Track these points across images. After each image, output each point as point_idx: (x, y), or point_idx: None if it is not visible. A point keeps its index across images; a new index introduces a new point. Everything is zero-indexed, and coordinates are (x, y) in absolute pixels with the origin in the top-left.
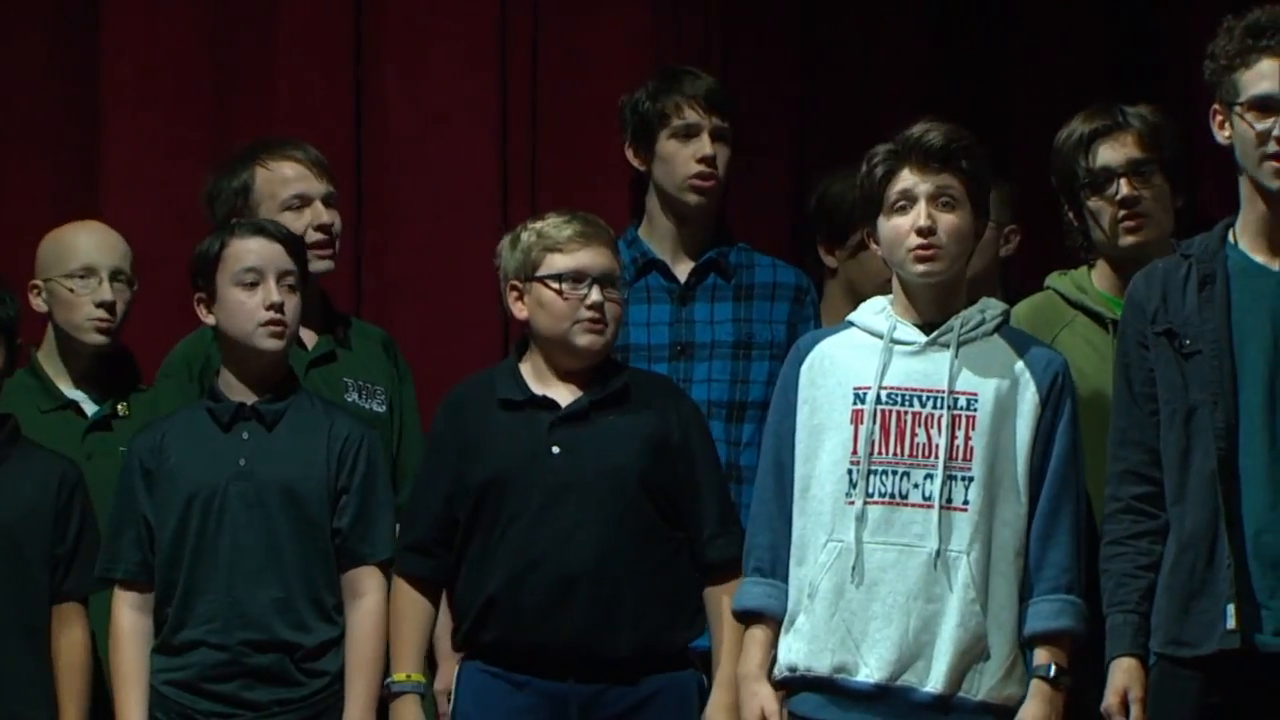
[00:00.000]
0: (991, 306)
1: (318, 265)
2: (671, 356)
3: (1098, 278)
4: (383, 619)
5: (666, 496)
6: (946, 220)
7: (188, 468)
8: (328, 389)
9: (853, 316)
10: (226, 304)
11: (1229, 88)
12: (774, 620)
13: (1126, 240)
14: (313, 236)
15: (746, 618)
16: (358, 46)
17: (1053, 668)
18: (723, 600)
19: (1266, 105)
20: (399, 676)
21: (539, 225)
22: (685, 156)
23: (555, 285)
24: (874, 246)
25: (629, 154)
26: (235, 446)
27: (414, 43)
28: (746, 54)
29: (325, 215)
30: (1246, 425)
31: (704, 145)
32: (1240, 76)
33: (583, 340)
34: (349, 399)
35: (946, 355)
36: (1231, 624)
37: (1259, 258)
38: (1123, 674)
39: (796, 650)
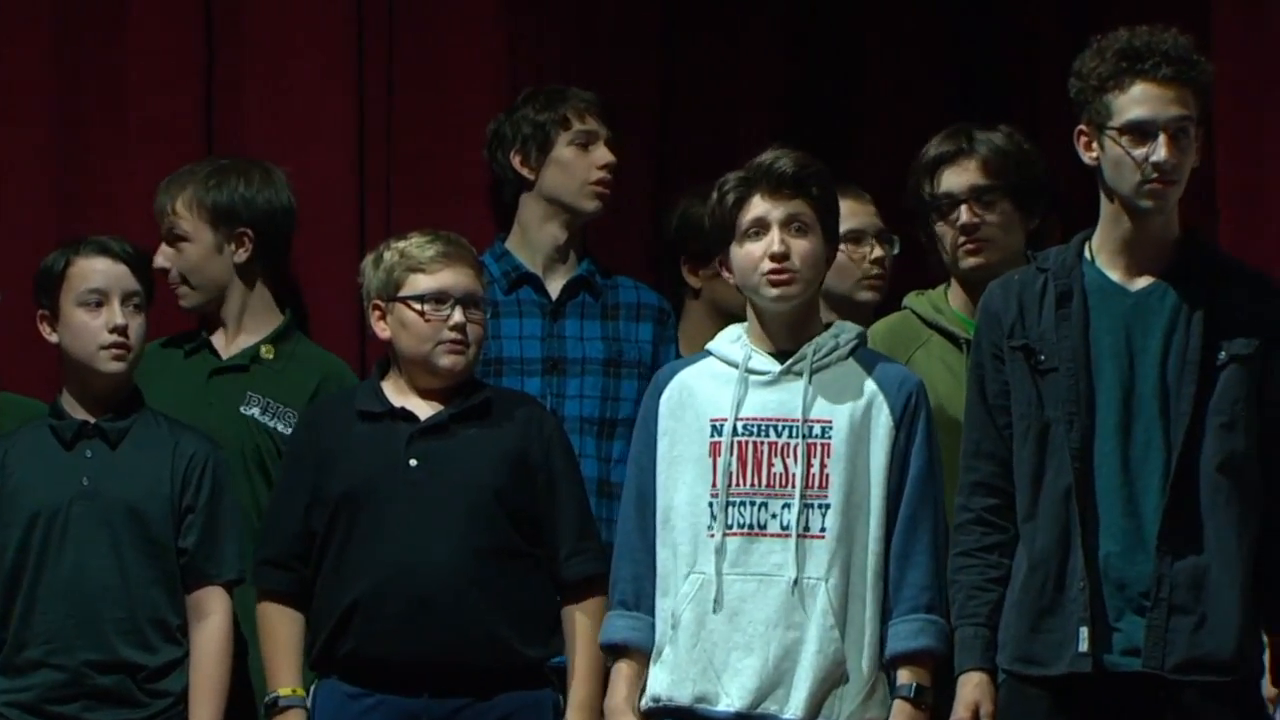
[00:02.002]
0: (846, 330)
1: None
2: (544, 371)
3: (953, 297)
4: (228, 639)
5: (525, 513)
6: (799, 246)
7: (30, 486)
8: (225, 399)
9: (710, 346)
10: (69, 324)
11: (1100, 109)
12: (639, 653)
13: (967, 263)
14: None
15: (612, 651)
16: (210, 65)
17: (914, 687)
18: (578, 619)
19: (1142, 130)
20: (283, 691)
21: (402, 245)
22: (585, 163)
23: (418, 306)
24: (727, 275)
25: (515, 162)
26: (78, 465)
27: (268, 60)
28: (605, 73)
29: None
30: (1101, 446)
31: (604, 152)
32: (1113, 99)
33: (445, 361)
34: (247, 411)
35: (800, 384)
36: (1084, 646)
37: (1116, 276)
38: (973, 688)
39: (660, 681)
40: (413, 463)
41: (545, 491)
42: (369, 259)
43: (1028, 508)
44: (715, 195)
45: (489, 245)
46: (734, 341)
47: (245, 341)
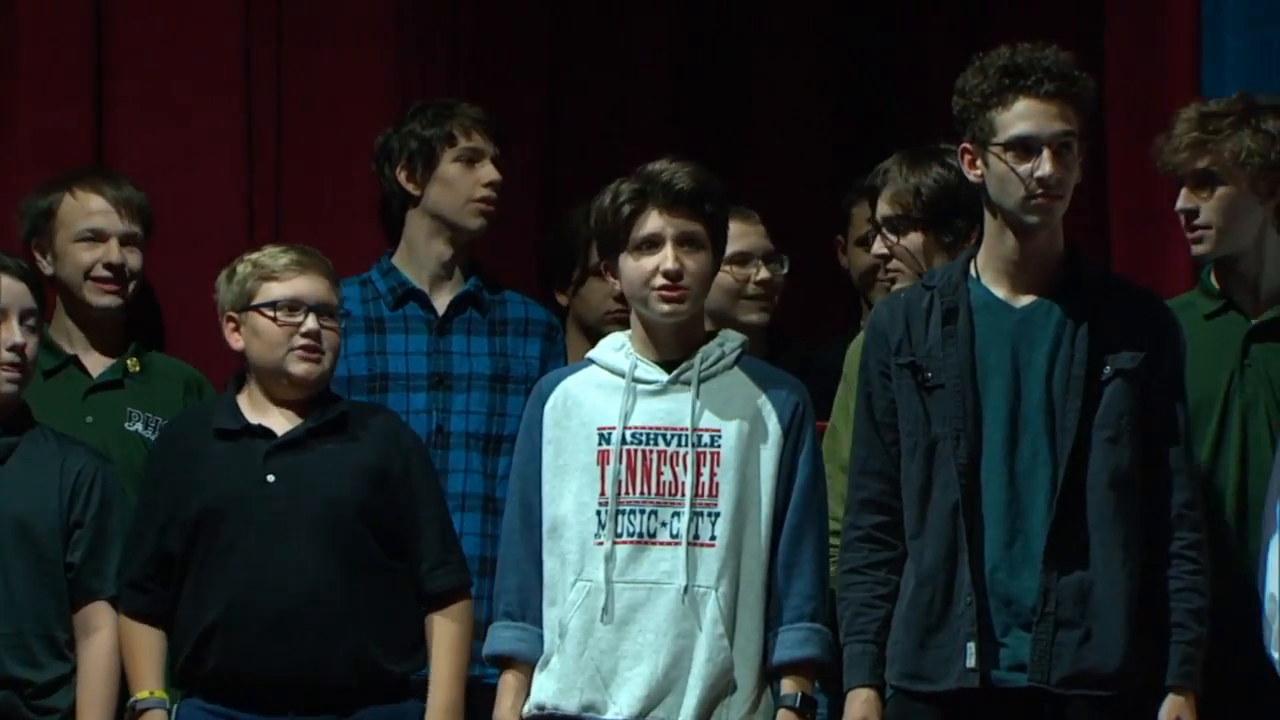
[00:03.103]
0: (730, 339)
1: (103, 300)
2: (430, 386)
3: None
4: (115, 655)
5: (386, 527)
6: (691, 263)
7: None
8: (107, 416)
9: (593, 354)
10: None
11: (983, 126)
12: (525, 664)
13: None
14: (100, 272)
15: (497, 663)
16: (98, 78)
17: (799, 697)
18: (441, 624)
19: (1027, 146)
20: (141, 694)
21: (255, 256)
22: (470, 180)
23: (270, 313)
24: (612, 281)
25: (401, 177)
26: None
27: (155, 74)
28: (493, 89)
29: (116, 254)
30: (987, 462)
31: (490, 170)
32: (997, 116)
33: (298, 368)
34: (132, 428)
35: (688, 393)
36: (972, 662)
37: (1001, 293)
38: (861, 705)
39: (547, 689)
40: (270, 479)
41: (406, 505)
42: (223, 275)
43: (915, 524)
44: (608, 201)
45: (376, 261)
46: (618, 350)
47: (109, 359)
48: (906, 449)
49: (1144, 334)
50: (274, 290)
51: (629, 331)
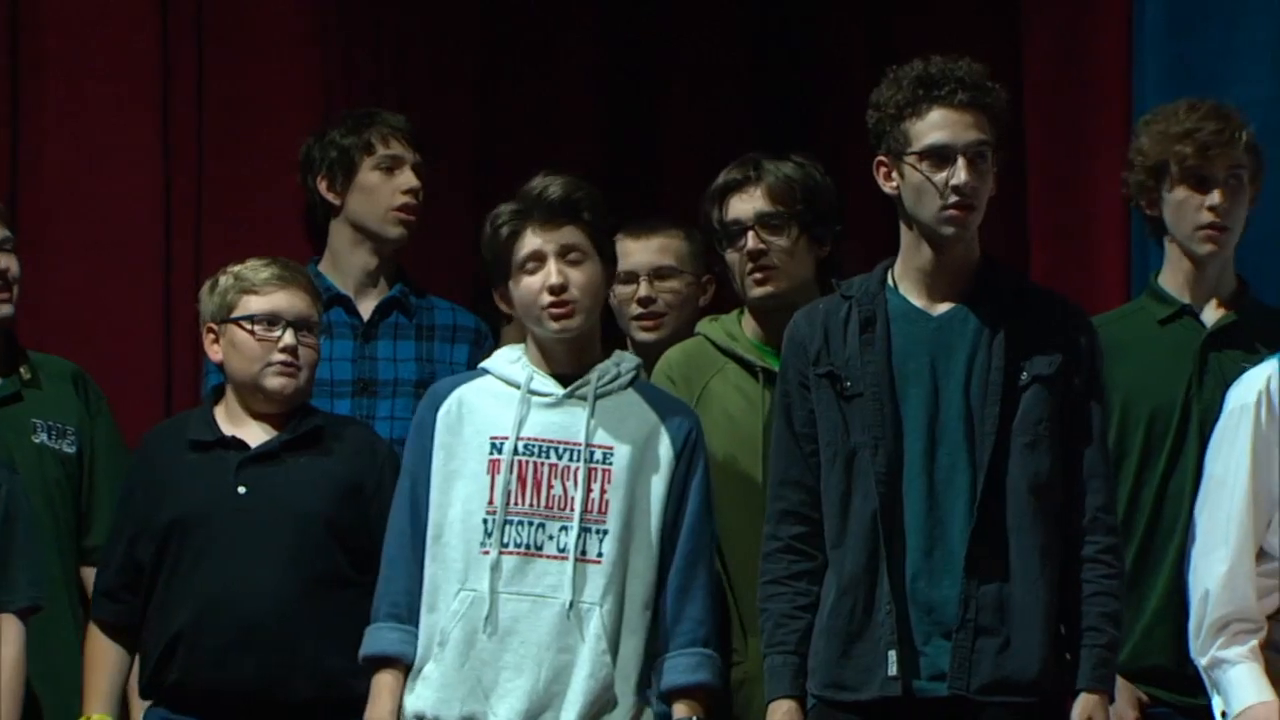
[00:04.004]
0: (626, 360)
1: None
2: (354, 393)
3: (747, 324)
4: (20, 669)
5: (356, 542)
6: (576, 275)
7: None
8: (13, 432)
9: (487, 364)
10: None
11: (898, 137)
12: (404, 667)
13: (755, 292)
14: None
15: (376, 663)
16: (13, 83)
17: None
18: None
19: (942, 155)
20: (82, 718)
21: (237, 269)
22: (390, 188)
23: (248, 326)
24: (505, 308)
25: (321, 187)
26: None
27: (72, 80)
28: (420, 98)
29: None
30: (907, 471)
31: (409, 177)
32: (911, 126)
33: (274, 383)
34: (37, 440)
35: (583, 408)
36: (893, 670)
37: (918, 302)
38: (782, 715)
39: (425, 698)
40: (241, 490)
41: (377, 520)
42: (206, 285)
43: (836, 534)
44: (488, 229)
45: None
46: (514, 362)
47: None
48: (826, 458)
49: (1060, 339)
50: (253, 304)
51: (524, 344)
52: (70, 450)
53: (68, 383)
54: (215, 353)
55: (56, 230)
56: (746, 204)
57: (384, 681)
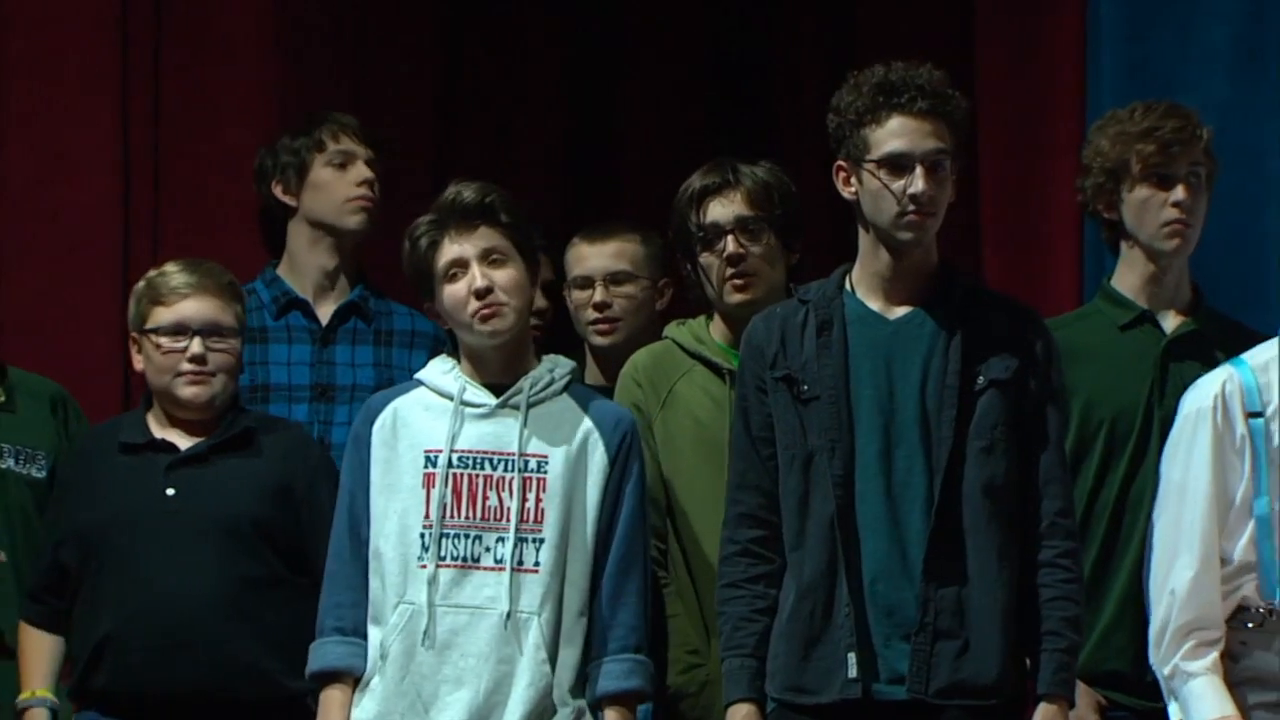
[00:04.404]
0: (560, 365)
1: None
2: (312, 398)
3: (715, 329)
4: None
5: (289, 543)
6: (500, 276)
7: None
8: None
9: (421, 375)
10: None
11: (857, 143)
12: (354, 679)
13: (734, 298)
14: None
15: (323, 679)
16: None
17: None
18: None
19: (899, 163)
20: (24, 694)
21: (152, 275)
22: (344, 182)
23: (155, 339)
24: (437, 320)
25: (277, 190)
26: None
27: (31, 86)
28: (380, 101)
29: None
30: (863, 473)
31: (362, 170)
32: (871, 133)
33: (185, 392)
34: (4, 465)
35: (516, 418)
36: (853, 673)
37: (875, 306)
38: (741, 719)
39: (367, 710)
40: (170, 492)
41: (309, 521)
42: (134, 292)
43: (795, 537)
44: (408, 245)
45: (260, 272)
46: (447, 373)
47: None
48: (784, 461)
49: (1017, 344)
50: (160, 315)
51: (458, 355)
52: (40, 475)
53: (45, 405)
54: (138, 362)
55: (15, 234)
56: (726, 208)
57: (332, 697)
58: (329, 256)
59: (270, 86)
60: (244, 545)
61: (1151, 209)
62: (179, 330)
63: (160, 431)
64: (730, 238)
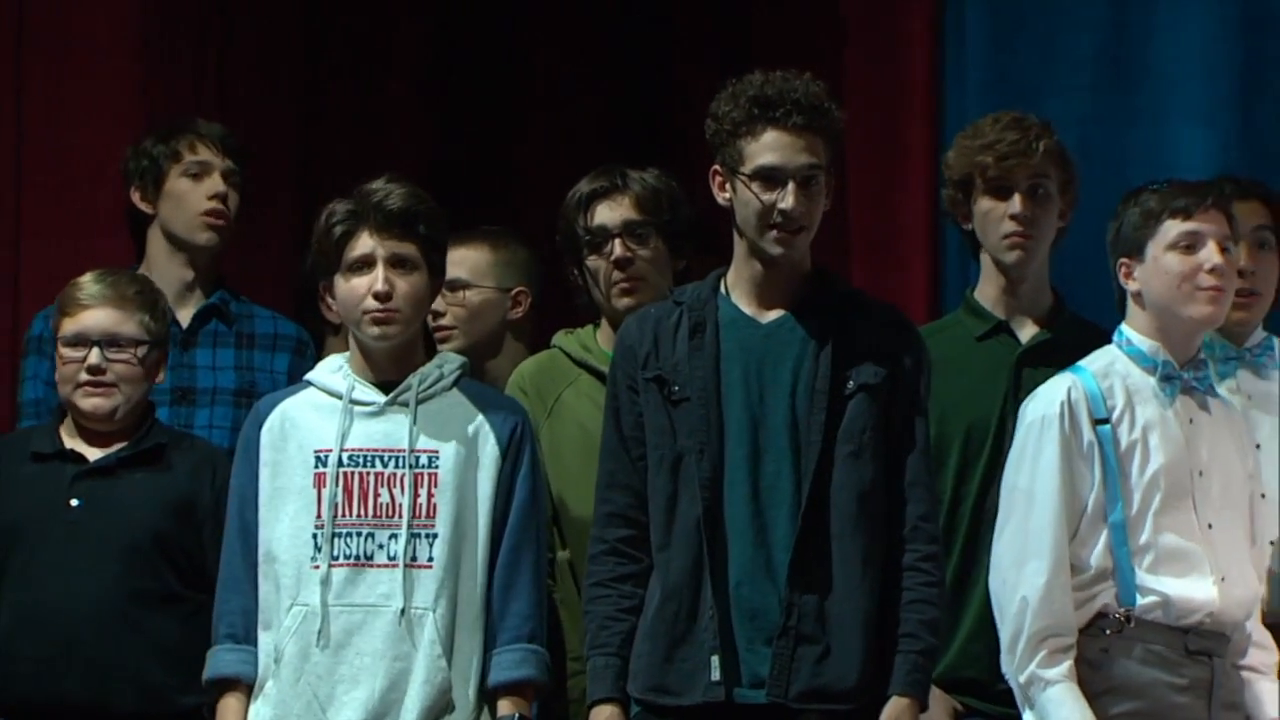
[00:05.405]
0: (450, 361)
1: None
2: (173, 401)
3: (602, 337)
4: None
5: (189, 559)
6: (403, 285)
7: None
8: None
9: (310, 376)
10: None
11: (732, 153)
12: (249, 686)
13: (621, 302)
14: None
15: (219, 686)
16: None
17: (516, 717)
18: None
19: (772, 177)
20: None
21: (69, 286)
22: (197, 194)
23: (60, 349)
24: (329, 303)
25: (135, 197)
26: None
27: None
28: (245, 105)
29: None
30: (731, 475)
31: (216, 183)
32: (746, 145)
33: (85, 404)
34: None
35: (406, 415)
36: (716, 675)
37: (748, 310)
38: (604, 719)
39: (263, 715)
40: (74, 503)
41: (211, 538)
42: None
43: (662, 537)
44: (322, 223)
45: None
46: (335, 372)
47: None
48: (653, 462)
49: (887, 349)
50: (65, 326)
51: (347, 353)
52: None
53: None
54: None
55: None
56: (614, 212)
57: (228, 705)
58: (184, 268)
59: (134, 90)
60: (142, 559)
61: (992, 221)
62: (78, 341)
63: (71, 442)
64: (618, 241)
